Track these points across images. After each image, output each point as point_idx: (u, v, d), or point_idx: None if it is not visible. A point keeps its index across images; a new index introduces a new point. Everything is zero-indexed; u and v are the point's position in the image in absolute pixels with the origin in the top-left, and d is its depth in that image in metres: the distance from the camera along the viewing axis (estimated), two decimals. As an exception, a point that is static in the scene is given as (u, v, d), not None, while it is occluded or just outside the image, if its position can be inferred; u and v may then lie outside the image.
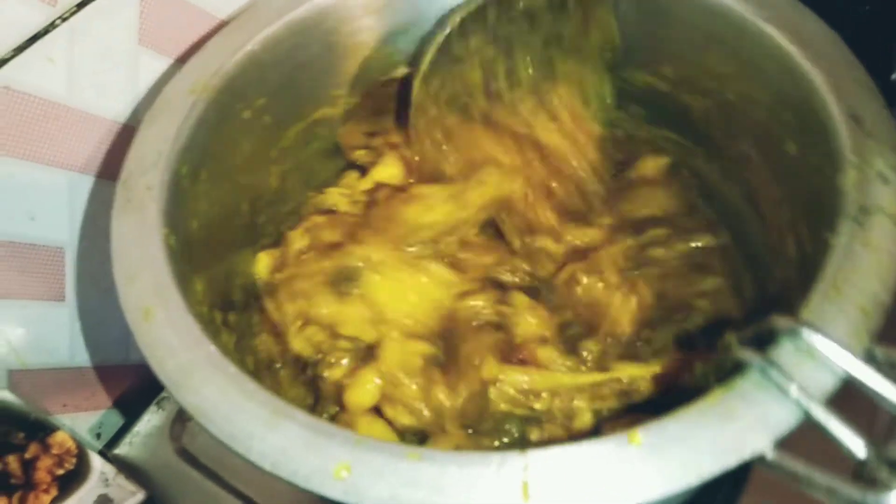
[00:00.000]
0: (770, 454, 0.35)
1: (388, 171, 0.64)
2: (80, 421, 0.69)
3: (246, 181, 0.60)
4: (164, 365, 0.41)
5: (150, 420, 0.68)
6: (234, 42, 0.57)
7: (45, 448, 0.54)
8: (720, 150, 0.61)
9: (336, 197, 0.65)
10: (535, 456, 0.36)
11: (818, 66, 0.49)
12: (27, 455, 0.53)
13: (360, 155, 0.67)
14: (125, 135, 0.61)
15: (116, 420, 0.72)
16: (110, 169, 0.61)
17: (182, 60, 0.62)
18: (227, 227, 0.57)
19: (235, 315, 0.57)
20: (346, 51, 0.64)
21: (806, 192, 0.50)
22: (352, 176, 0.67)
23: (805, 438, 0.35)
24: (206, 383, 0.40)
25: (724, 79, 0.58)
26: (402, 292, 0.57)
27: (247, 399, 0.39)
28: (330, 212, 0.65)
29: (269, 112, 0.61)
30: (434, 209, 0.60)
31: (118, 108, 0.60)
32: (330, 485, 0.35)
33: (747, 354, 0.37)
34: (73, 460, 0.55)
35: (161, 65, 0.61)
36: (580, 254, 0.60)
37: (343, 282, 0.56)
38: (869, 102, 0.46)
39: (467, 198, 0.60)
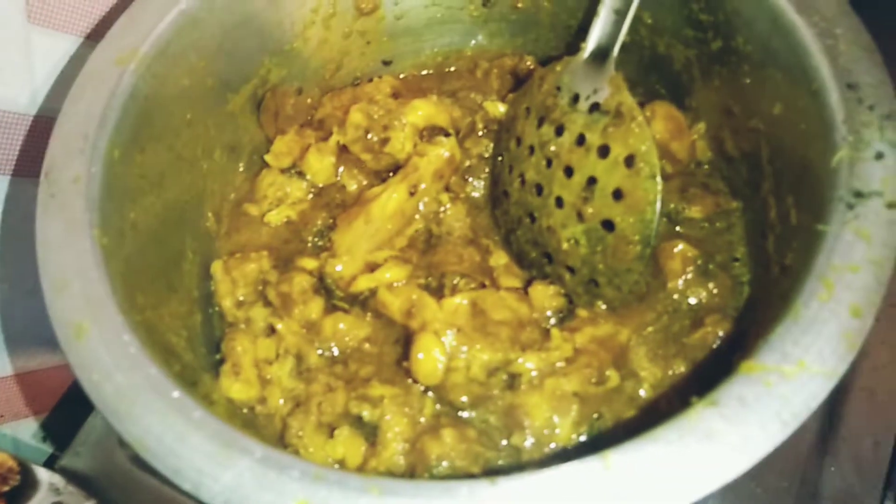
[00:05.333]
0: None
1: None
2: (22, 428, 0.65)
3: (189, 154, 0.55)
4: (101, 390, 0.37)
5: (96, 427, 0.62)
6: (163, 1, 0.51)
7: (-16, 469, 0.52)
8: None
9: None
10: (505, 485, 0.34)
11: (812, 23, 0.44)
12: (-35, 478, 0.51)
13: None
14: (26, 126, 0.55)
15: (62, 420, 0.68)
16: (14, 164, 0.56)
17: (87, 36, 0.56)
18: (171, 211, 0.53)
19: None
20: (293, 1, 0.58)
21: (795, 164, 0.46)
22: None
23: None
24: (147, 411, 0.37)
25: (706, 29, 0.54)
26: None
27: (194, 429, 0.36)
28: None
29: (211, 74, 0.55)
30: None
31: (14, 97, 0.53)
32: (287, 524, 0.33)
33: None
34: (17, 477, 0.53)
35: (60, 43, 0.55)
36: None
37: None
38: (869, 69, 0.42)
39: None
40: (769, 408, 0.34)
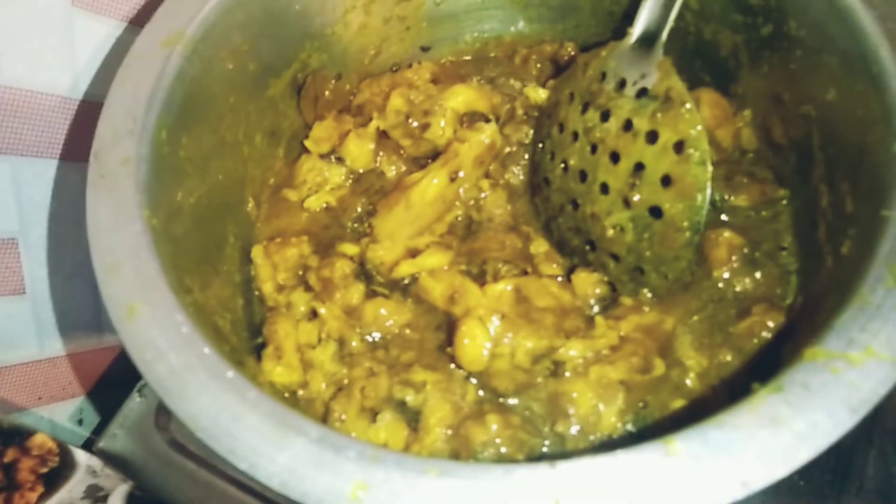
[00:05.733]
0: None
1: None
2: (58, 411, 0.66)
3: (232, 138, 0.55)
4: (155, 369, 0.37)
5: (133, 409, 0.63)
6: (208, -16, 0.51)
7: (25, 451, 0.52)
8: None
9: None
10: (565, 468, 0.33)
11: (871, 7, 0.44)
12: (6, 459, 0.51)
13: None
14: (69, 110, 0.56)
15: (98, 403, 0.69)
16: (57, 148, 0.56)
17: (129, 20, 0.56)
18: (214, 194, 0.52)
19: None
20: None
21: (851, 150, 0.45)
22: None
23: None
24: (202, 391, 0.36)
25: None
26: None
27: (249, 409, 0.36)
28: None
29: (254, 59, 0.55)
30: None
31: (57, 81, 0.54)
32: (345, 506, 0.33)
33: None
34: (56, 458, 0.54)
35: (102, 27, 0.55)
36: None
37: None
38: (932, 53, 0.41)
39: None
40: (836, 394, 0.33)
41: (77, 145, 0.58)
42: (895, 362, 0.34)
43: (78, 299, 0.64)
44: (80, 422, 0.69)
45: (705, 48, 0.59)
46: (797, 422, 0.33)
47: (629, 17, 0.54)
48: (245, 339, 0.53)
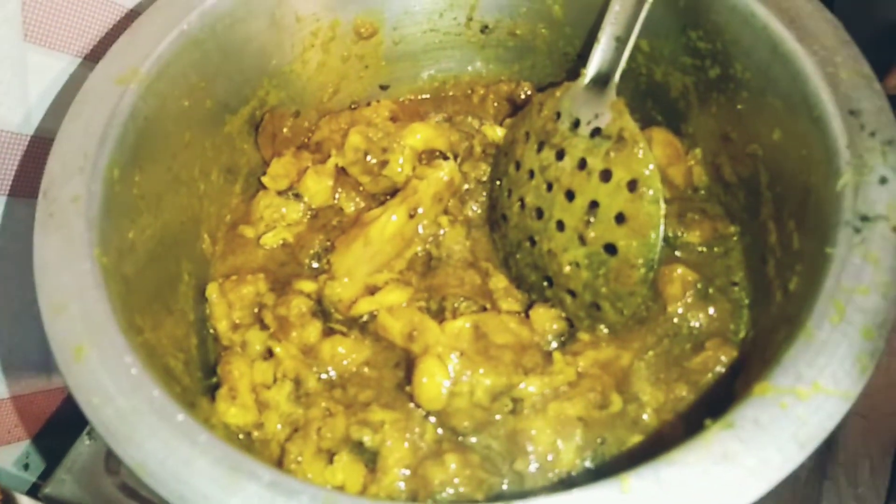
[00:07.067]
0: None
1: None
2: (3, 455, 0.63)
3: (187, 176, 0.54)
4: (101, 413, 0.36)
5: (82, 453, 0.60)
6: (164, 22, 0.50)
7: (-34, 499, 0.50)
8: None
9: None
10: (522, 509, 0.33)
11: (812, 52, 0.45)
12: (-55, 507, 0.49)
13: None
14: (19, 145, 0.55)
15: (44, 447, 0.67)
16: (6, 184, 0.55)
17: (83, 56, 0.56)
18: (168, 232, 0.52)
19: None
20: (294, 23, 0.58)
21: (796, 189, 0.47)
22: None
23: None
24: (150, 435, 0.35)
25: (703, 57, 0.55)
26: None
27: (199, 454, 0.35)
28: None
29: (210, 96, 0.55)
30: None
31: (8, 117, 0.53)
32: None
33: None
34: None
35: (55, 63, 0.54)
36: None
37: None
38: (869, 96, 0.43)
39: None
40: (785, 430, 0.34)
41: (26, 181, 0.57)
42: (842, 397, 0.34)
43: (25, 339, 0.62)
44: (27, 466, 0.66)
45: (656, 89, 0.60)
46: (748, 457, 0.33)
47: (583, 58, 0.56)
48: (199, 379, 0.52)
